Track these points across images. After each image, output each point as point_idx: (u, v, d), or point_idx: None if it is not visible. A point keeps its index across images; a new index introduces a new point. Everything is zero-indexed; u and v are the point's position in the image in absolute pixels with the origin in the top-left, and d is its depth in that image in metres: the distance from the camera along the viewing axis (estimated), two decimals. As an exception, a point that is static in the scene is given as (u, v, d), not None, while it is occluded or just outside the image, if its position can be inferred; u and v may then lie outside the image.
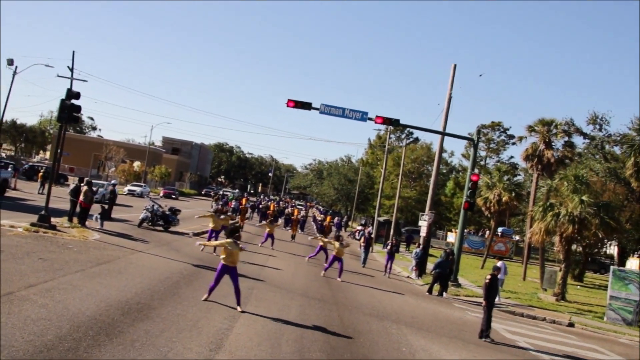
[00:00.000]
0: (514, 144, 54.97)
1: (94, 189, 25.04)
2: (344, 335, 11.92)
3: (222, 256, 12.38)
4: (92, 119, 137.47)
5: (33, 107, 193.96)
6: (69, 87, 21.32)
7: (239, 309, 12.07)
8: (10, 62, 44.88)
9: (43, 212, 19.38)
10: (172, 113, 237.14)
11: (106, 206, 24.60)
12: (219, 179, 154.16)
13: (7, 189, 33.41)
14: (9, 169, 41.08)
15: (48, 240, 17.09)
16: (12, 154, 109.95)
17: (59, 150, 29.63)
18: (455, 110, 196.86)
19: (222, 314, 11.48)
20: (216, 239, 20.94)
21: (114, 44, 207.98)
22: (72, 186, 23.26)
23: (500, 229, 54.96)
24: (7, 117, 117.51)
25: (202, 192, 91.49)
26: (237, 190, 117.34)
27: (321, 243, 24.64)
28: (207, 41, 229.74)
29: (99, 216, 22.18)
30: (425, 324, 15.46)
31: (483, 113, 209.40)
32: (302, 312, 13.56)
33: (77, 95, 19.80)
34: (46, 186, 35.78)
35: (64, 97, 19.39)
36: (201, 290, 13.13)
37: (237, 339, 9.97)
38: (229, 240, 12.57)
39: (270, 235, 27.91)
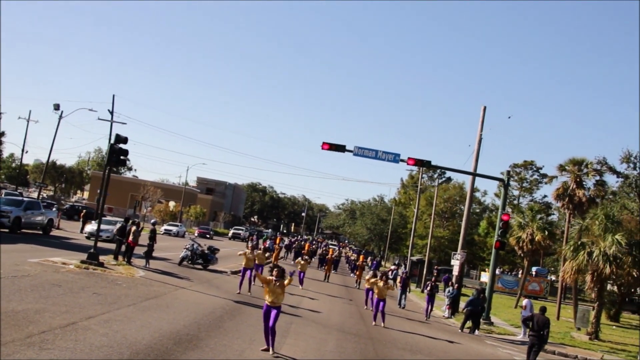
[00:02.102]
0: (546, 183, 54.96)
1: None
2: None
3: (266, 297, 11.93)
4: (128, 159, 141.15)
5: (71, 149, 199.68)
6: (116, 132, 22.57)
7: (270, 350, 11.61)
8: (57, 107, 47.20)
9: (92, 251, 20.51)
10: (205, 154, 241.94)
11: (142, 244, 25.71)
12: (252, 219, 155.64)
13: (52, 228, 34.94)
14: (53, 209, 42.82)
15: (98, 276, 18.15)
16: (52, 193, 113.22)
17: (99, 191, 31.08)
18: (487, 149, 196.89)
19: (264, 345, 12.19)
20: (250, 275, 21.22)
21: (152, 88, 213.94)
22: (117, 226, 24.44)
23: (534, 269, 54.63)
24: (53, 159, 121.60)
25: (229, 235, 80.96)
26: (270, 230, 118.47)
27: (367, 285, 23.04)
28: (241, 84, 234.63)
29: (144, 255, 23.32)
30: (457, 358, 15.92)
31: (515, 152, 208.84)
32: (339, 345, 14.23)
33: (124, 140, 21.11)
34: (87, 225, 37.54)
35: (112, 141, 20.75)
36: (243, 324, 13.92)
37: (280, 367, 10.70)
38: (271, 279, 12.05)
39: (302, 273, 28.48)
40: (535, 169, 69.48)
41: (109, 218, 40.39)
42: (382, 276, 21.48)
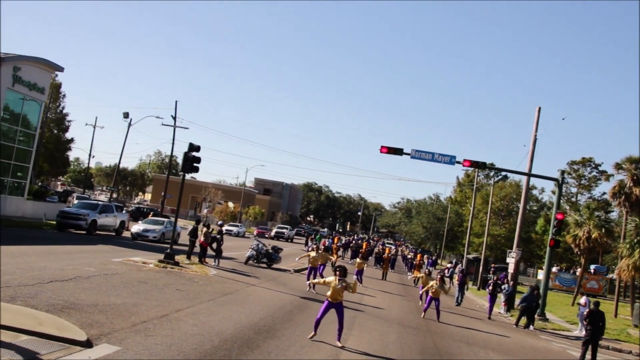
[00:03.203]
0: (604, 180, 54.26)
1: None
2: (438, 357, 13.62)
3: (328, 293, 13.09)
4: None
5: (134, 153, 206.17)
6: (190, 141, 24.24)
7: (338, 343, 12.53)
8: (126, 115, 49.88)
9: (168, 251, 22.27)
10: (262, 155, 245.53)
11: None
12: (309, 218, 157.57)
13: (124, 230, 37.20)
14: (124, 212, 45.32)
15: (176, 274, 19.82)
16: (115, 196, 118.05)
17: (162, 193, 32.99)
18: (544, 147, 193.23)
19: (334, 335, 13.35)
20: (314, 276, 22.78)
21: (212, 92, 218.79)
22: (189, 228, 26.19)
23: (592, 266, 54.18)
24: (112, 162, 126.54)
25: (272, 234, 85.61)
26: (325, 229, 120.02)
27: (423, 284, 23.57)
28: (299, 87, 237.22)
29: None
30: (511, 350, 16.88)
31: (573, 149, 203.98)
32: (400, 337, 15.39)
33: (197, 148, 22.76)
34: (133, 225, 39.52)
35: (187, 149, 22.44)
36: (312, 317, 15.12)
37: (350, 355, 11.92)
38: (333, 278, 13.20)
39: (360, 272, 29.58)
40: (593, 165, 68.40)
41: (156, 218, 40.68)
42: (439, 277, 21.68)
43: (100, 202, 40.34)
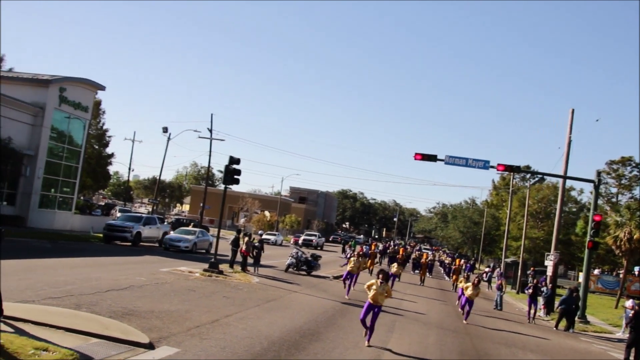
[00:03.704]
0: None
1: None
2: (477, 359, 14.14)
3: (370, 293, 13.69)
4: (221, 171, 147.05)
5: (172, 166, 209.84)
6: (230, 155, 25.17)
7: (366, 342, 13.15)
8: (165, 129, 51.41)
9: (212, 260, 23.21)
10: (297, 164, 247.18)
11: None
12: (344, 225, 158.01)
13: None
14: (165, 223, 46.65)
15: (221, 282, 20.70)
16: (155, 208, 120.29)
17: (201, 204, 33.74)
18: (581, 147, 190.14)
19: (376, 338, 13.97)
20: (351, 282, 23.33)
21: (246, 103, 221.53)
22: (232, 238, 27.11)
23: (637, 268, 53.48)
24: (150, 175, 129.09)
25: (330, 239, 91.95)
26: (361, 236, 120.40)
27: (461, 286, 23.61)
28: (333, 96, 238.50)
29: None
30: (549, 351, 17.23)
31: (613, 148, 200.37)
32: (439, 340, 15.94)
33: (237, 161, 23.70)
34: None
35: (227, 162, 23.40)
36: (354, 322, 15.86)
37: (392, 356, 12.55)
38: (375, 281, 13.90)
39: (395, 276, 29.94)
40: (634, 164, 67.15)
41: (188, 228, 39.80)
42: (476, 280, 21.80)
43: (143, 215, 41.64)
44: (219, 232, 25.70)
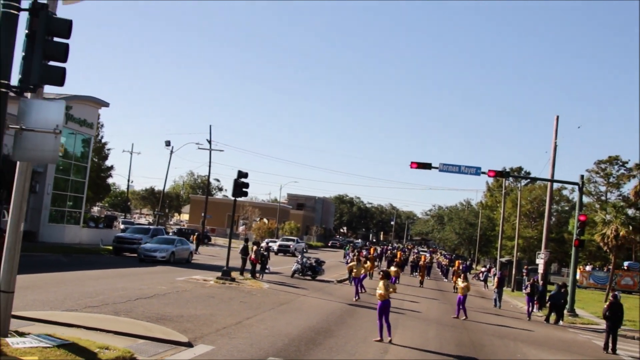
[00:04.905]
0: (632, 177, 54.96)
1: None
2: (472, 349, 15.69)
3: (378, 292, 15.22)
4: (218, 180, 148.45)
5: (169, 175, 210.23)
6: (238, 169, 26.90)
7: (388, 338, 14.70)
8: (168, 143, 53.03)
9: (225, 268, 24.69)
10: (293, 171, 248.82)
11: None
12: (342, 230, 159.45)
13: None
14: (170, 233, 48.09)
15: (235, 289, 22.21)
16: (152, 218, 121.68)
17: (202, 214, 35.05)
18: (571, 148, 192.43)
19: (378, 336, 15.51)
20: (357, 286, 24.93)
21: (244, 113, 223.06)
22: (241, 246, 28.59)
23: (626, 263, 55.20)
24: (146, 185, 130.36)
25: (329, 244, 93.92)
26: (359, 240, 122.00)
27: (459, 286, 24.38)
28: (326, 102, 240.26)
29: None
30: (539, 341, 18.86)
31: (600, 149, 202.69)
32: (438, 334, 17.54)
33: (245, 175, 25.21)
34: (199, 247, 42.05)
35: (236, 177, 24.94)
36: (361, 320, 17.43)
37: (397, 348, 14.08)
38: (381, 283, 15.37)
39: (394, 278, 31.37)
40: (621, 163, 69.12)
41: (166, 237, 37.79)
42: (462, 275, 23.92)
43: (151, 227, 43.05)
44: (230, 242, 27.16)
